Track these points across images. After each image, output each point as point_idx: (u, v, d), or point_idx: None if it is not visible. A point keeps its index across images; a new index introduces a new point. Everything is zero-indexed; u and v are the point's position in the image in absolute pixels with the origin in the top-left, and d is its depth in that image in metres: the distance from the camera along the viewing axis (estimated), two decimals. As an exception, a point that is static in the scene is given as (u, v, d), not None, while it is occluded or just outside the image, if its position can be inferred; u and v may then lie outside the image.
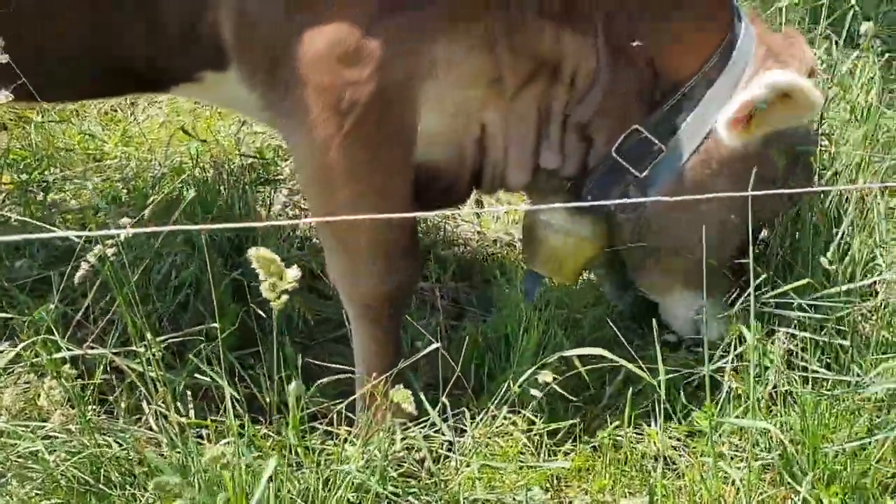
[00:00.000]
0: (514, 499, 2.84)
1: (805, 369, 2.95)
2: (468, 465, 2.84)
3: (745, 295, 2.85)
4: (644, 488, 2.87)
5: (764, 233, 3.23)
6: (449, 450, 2.92)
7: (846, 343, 2.89)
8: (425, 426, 2.88)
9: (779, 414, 2.88)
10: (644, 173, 3.02)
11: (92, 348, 2.77)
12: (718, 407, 2.99)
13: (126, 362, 2.69)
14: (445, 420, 2.89)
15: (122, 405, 2.87)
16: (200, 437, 2.78)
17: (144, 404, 2.83)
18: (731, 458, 2.93)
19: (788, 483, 2.79)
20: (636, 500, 2.82)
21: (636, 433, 3.07)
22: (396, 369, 2.85)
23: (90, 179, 4.17)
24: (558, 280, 3.35)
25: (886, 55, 4.54)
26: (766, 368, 2.93)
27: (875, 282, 3.06)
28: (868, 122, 3.98)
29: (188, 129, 4.36)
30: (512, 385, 2.92)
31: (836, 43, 4.16)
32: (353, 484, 2.63)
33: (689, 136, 3.03)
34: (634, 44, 2.92)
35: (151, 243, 3.54)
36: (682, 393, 3.14)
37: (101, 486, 2.63)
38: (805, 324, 3.03)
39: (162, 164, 4.28)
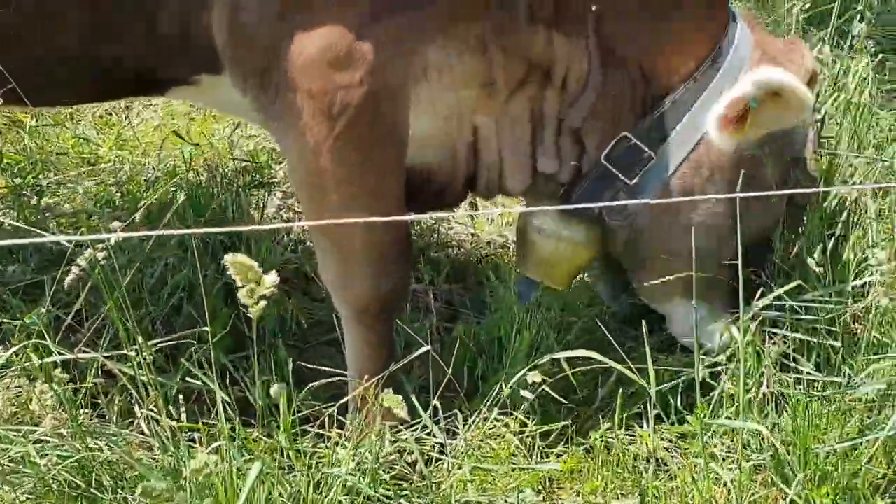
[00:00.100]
0: (505, 501, 2.84)
1: (797, 371, 2.95)
2: (460, 468, 2.85)
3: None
4: (636, 490, 2.88)
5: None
6: (441, 452, 2.93)
7: (837, 344, 2.89)
8: (417, 429, 2.89)
9: (770, 415, 2.88)
10: (634, 180, 3.01)
11: (84, 352, 2.77)
12: (711, 408, 3.01)
13: (118, 366, 2.70)
14: (437, 422, 2.90)
15: (115, 409, 2.86)
16: (193, 440, 2.79)
17: (136, 408, 2.83)
18: (724, 460, 2.94)
19: (779, 484, 2.79)
20: (628, 502, 2.82)
21: (628, 435, 3.07)
22: (388, 372, 2.85)
23: (82, 184, 4.16)
24: (550, 285, 3.36)
25: (880, 56, 4.56)
26: (758, 370, 2.93)
27: (866, 283, 3.06)
28: (861, 122, 4.00)
29: (182, 133, 4.36)
30: (504, 387, 2.92)
31: (835, 42, 4.19)
32: (344, 487, 2.63)
33: (680, 142, 3.00)
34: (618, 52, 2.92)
35: (144, 247, 3.55)
36: (674, 395, 3.15)
37: (92, 490, 2.63)
38: (797, 325, 3.03)
39: (156, 168, 4.28)
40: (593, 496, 2.93)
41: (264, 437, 2.74)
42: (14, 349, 2.76)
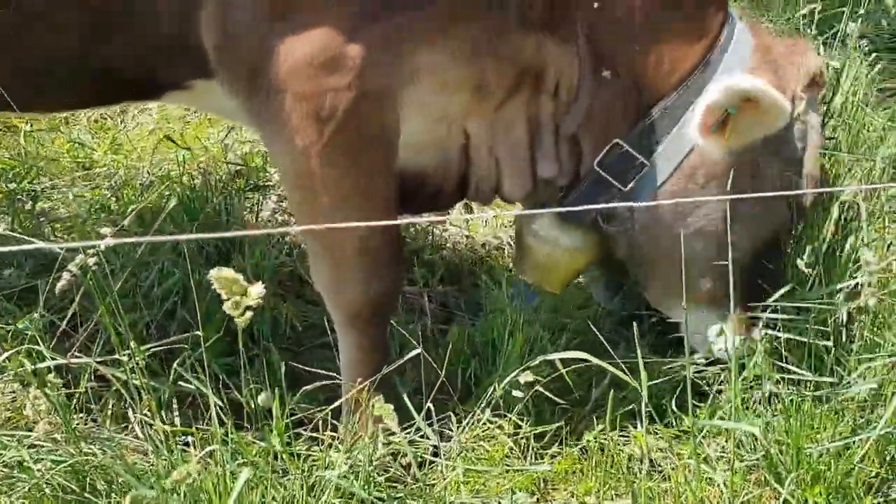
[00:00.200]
0: (499, 502, 2.85)
1: (790, 371, 2.96)
2: (454, 470, 2.85)
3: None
4: (630, 491, 2.88)
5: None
6: (434, 454, 2.93)
7: (829, 344, 2.89)
8: (411, 431, 2.89)
9: (762, 415, 2.88)
10: (628, 187, 3.01)
11: (76, 357, 2.77)
12: (705, 409, 3.02)
13: (110, 371, 2.70)
14: (431, 425, 2.90)
15: (108, 414, 2.87)
16: (187, 444, 2.80)
17: (130, 412, 2.84)
18: (718, 460, 2.94)
19: (772, 483, 2.79)
20: (621, 503, 2.83)
21: (622, 436, 3.08)
22: (380, 375, 2.86)
23: (73, 188, 4.16)
24: (546, 288, 3.38)
25: (873, 55, 4.56)
26: (752, 370, 2.94)
27: (858, 283, 3.05)
28: (854, 122, 4.01)
29: (175, 137, 4.37)
30: (497, 388, 2.93)
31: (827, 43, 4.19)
32: (337, 490, 2.64)
33: (673, 149, 3.00)
34: (605, 73, 2.92)
35: (137, 252, 3.56)
36: (668, 396, 3.16)
37: (86, 494, 2.64)
38: (789, 326, 3.03)
39: (150, 173, 4.29)
40: (587, 497, 2.94)
41: (257, 441, 2.74)
42: (7, 354, 2.77)
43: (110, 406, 2.92)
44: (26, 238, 2.46)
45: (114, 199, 4.18)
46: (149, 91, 3.16)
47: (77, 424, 2.78)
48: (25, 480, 2.62)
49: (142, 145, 4.59)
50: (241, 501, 2.45)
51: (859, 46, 4.29)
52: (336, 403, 2.87)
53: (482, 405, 3.00)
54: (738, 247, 2.99)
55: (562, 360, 2.91)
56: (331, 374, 2.94)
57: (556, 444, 3.09)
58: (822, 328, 2.98)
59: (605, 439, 3.02)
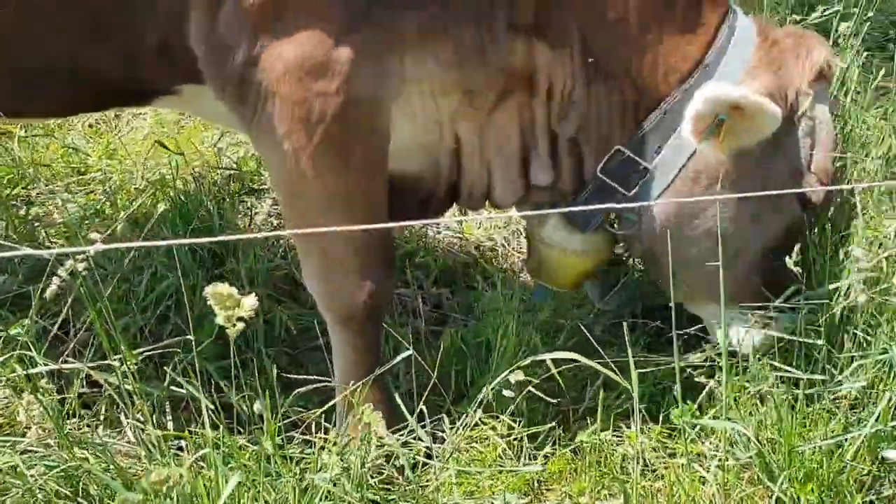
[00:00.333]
0: (492, 503, 2.85)
1: (782, 369, 2.96)
2: (446, 471, 2.86)
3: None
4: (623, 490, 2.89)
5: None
6: (427, 456, 2.94)
7: (820, 342, 2.89)
8: (404, 433, 2.90)
9: (753, 413, 2.89)
10: (633, 192, 3.01)
11: (68, 362, 2.78)
12: (698, 407, 3.02)
13: (103, 376, 2.71)
14: (424, 426, 2.91)
15: (101, 418, 2.87)
16: (181, 448, 2.80)
17: (122, 417, 2.84)
18: (712, 458, 2.94)
19: (765, 482, 2.80)
20: (612, 503, 2.83)
21: (616, 436, 3.08)
22: (372, 376, 2.87)
23: (66, 194, 4.17)
24: (557, 288, 3.41)
25: (865, 54, 4.56)
26: (744, 369, 2.95)
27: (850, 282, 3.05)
28: (847, 121, 4.00)
29: (167, 142, 4.36)
30: (488, 389, 2.93)
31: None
32: (330, 492, 2.64)
33: (675, 153, 2.99)
34: (591, 60, 2.91)
35: (132, 256, 3.57)
36: (662, 395, 3.16)
37: (79, 499, 2.64)
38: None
39: (143, 177, 4.29)
40: (581, 497, 2.94)
41: (250, 445, 2.75)
42: None
43: (103, 411, 2.92)
44: (10, 245, 2.46)
45: (108, 203, 4.19)
46: (140, 96, 3.17)
47: (70, 429, 2.78)
48: (18, 486, 2.62)
49: (136, 150, 4.59)
50: (233, 505, 2.46)
51: (851, 46, 4.28)
52: (328, 405, 2.87)
53: (475, 406, 2.99)
54: (747, 245, 3.00)
55: (555, 360, 2.91)
56: (324, 377, 2.95)
57: (550, 444, 3.10)
58: (815, 327, 2.99)
59: (599, 439, 3.02)
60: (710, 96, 2.82)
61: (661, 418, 3.11)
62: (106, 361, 2.66)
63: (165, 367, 3.01)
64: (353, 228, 2.62)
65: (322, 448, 2.76)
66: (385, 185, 2.92)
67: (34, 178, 4.30)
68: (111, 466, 2.65)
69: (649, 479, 2.97)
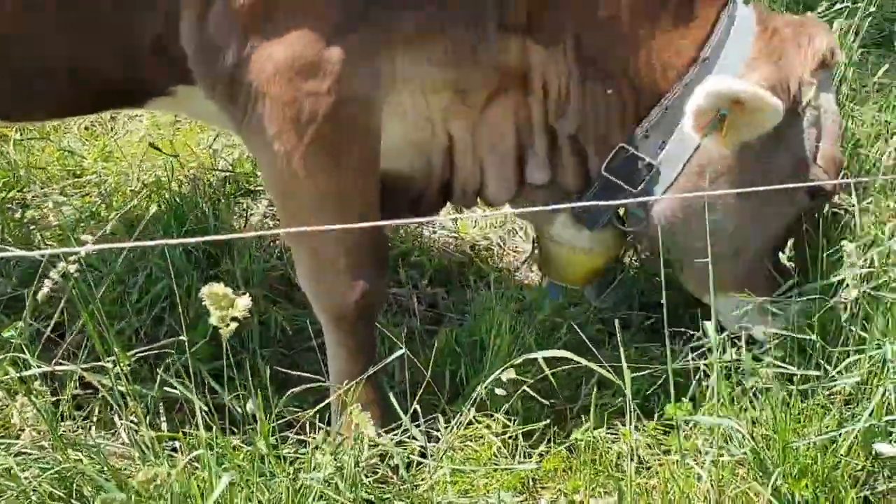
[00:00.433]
0: (486, 502, 2.85)
1: (775, 365, 2.96)
2: (440, 470, 2.86)
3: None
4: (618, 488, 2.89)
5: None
6: (422, 455, 2.94)
7: (812, 338, 2.89)
8: (398, 432, 2.90)
9: (748, 409, 2.89)
10: (638, 189, 3.01)
11: (60, 364, 2.78)
12: (693, 404, 3.02)
13: (96, 377, 2.71)
14: (418, 426, 2.91)
15: (95, 420, 2.87)
16: (175, 450, 2.80)
17: (116, 418, 2.84)
18: (706, 455, 2.94)
19: (759, 478, 2.80)
20: (606, 500, 2.83)
21: (611, 433, 3.08)
22: (365, 376, 2.87)
23: (61, 196, 4.17)
24: (568, 286, 3.43)
25: (860, 51, 4.55)
26: (737, 366, 2.94)
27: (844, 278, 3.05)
28: (844, 118, 4.00)
29: (165, 144, 4.38)
30: (482, 388, 2.93)
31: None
32: (323, 492, 2.64)
33: (679, 148, 2.99)
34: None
35: (127, 258, 3.57)
36: (657, 393, 3.16)
37: (73, 501, 2.64)
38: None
39: (139, 180, 4.29)
40: (575, 495, 2.94)
41: (244, 445, 2.75)
42: (-7, 362, 2.78)
43: (97, 413, 2.92)
44: (2, 247, 2.46)
45: (104, 206, 4.19)
46: (134, 98, 3.17)
47: (64, 431, 2.78)
48: (13, 488, 2.62)
49: (132, 152, 4.59)
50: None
51: (847, 42, 4.28)
52: (321, 405, 2.87)
53: (469, 405, 2.99)
54: (755, 237, 3.00)
55: (549, 359, 2.91)
56: (317, 377, 2.95)
57: (545, 442, 3.10)
58: (809, 322, 2.99)
59: (593, 437, 3.02)
60: (710, 90, 2.81)
61: (655, 415, 3.11)
62: (99, 363, 2.65)
63: (160, 369, 3.02)
64: (344, 227, 2.62)
65: (316, 448, 2.76)
66: (377, 185, 2.93)
67: (29, 181, 4.31)
68: (105, 468, 2.64)
69: (644, 477, 2.97)
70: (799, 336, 2.91)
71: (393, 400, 2.90)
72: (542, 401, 3.07)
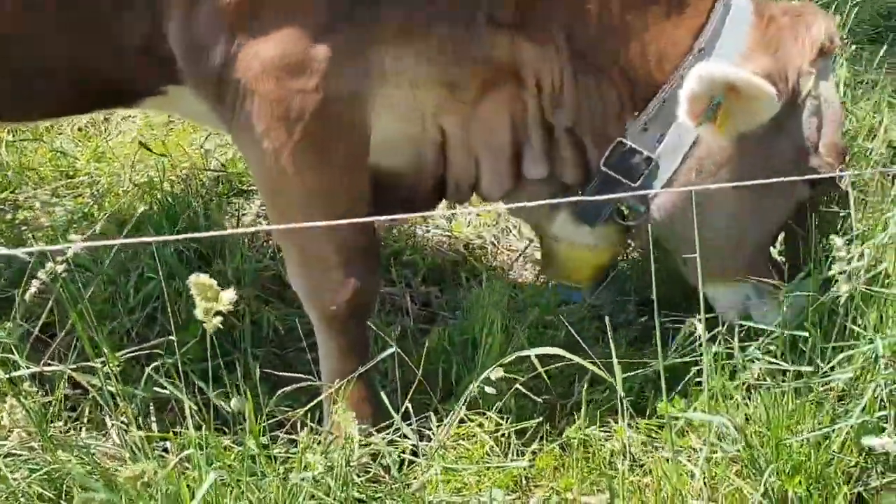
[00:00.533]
0: (479, 500, 2.84)
1: (769, 361, 2.95)
2: (431, 468, 2.85)
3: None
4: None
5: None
6: (414, 454, 2.93)
7: (805, 334, 2.88)
8: (390, 431, 2.89)
9: (741, 406, 2.88)
10: (638, 183, 2.99)
11: (49, 364, 2.77)
12: (687, 401, 3.01)
13: (85, 377, 2.69)
14: (410, 424, 2.90)
15: (86, 421, 2.86)
16: (166, 450, 2.79)
17: (107, 419, 2.83)
18: (699, 452, 2.93)
19: (753, 475, 2.79)
20: (598, 498, 2.82)
21: (604, 431, 3.07)
22: (356, 374, 2.86)
23: (43, 196, 4.16)
24: (574, 284, 3.41)
25: (854, 47, 4.55)
26: (730, 361, 2.93)
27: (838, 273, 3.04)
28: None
29: (158, 145, 4.37)
30: (473, 386, 2.92)
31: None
32: (314, 493, 2.63)
33: (677, 140, 2.97)
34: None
35: (120, 258, 3.56)
36: (650, 390, 3.15)
37: (62, 502, 2.63)
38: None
39: (130, 180, 4.28)
40: (568, 493, 2.93)
41: (235, 445, 2.74)
42: (-19, 364, 2.77)
43: (87, 413, 2.91)
44: (-7, 248, 2.45)
45: (96, 207, 4.18)
46: (126, 97, 3.16)
47: (54, 432, 2.77)
48: (1, 490, 2.61)
49: (125, 153, 4.58)
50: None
51: (841, 38, 4.27)
52: (311, 403, 2.86)
53: (461, 404, 2.98)
54: (755, 228, 3.00)
55: (542, 357, 2.90)
56: (309, 377, 2.94)
57: (537, 440, 3.09)
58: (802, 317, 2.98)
59: (586, 435, 3.01)
60: (704, 74, 2.77)
61: (648, 413, 3.10)
62: (88, 363, 2.64)
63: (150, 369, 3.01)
64: (333, 223, 2.61)
65: (307, 448, 2.75)
66: (367, 181, 2.92)
67: (21, 182, 4.30)
68: (95, 469, 2.63)
69: (637, 475, 2.96)
70: (793, 333, 2.90)
71: (385, 399, 2.89)
72: (535, 398, 3.06)
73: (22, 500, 2.60)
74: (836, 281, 2.80)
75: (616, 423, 3.06)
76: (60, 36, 2.88)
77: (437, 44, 2.82)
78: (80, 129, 4.87)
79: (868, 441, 2.58)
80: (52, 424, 2.81)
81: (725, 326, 3.00)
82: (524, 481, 3.01)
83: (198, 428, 2.60)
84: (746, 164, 2.93)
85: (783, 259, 3.14)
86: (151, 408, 2.87)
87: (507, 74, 2.96)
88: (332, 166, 2.83)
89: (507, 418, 3.06)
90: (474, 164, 3.11)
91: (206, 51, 2.77)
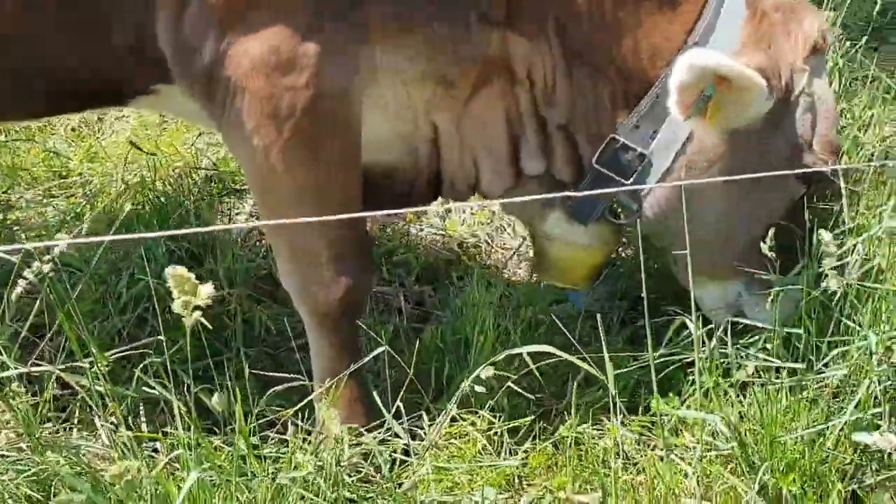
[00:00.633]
0: (471, 499, 2.82)
1: (763, 358, 2.93)
2: (423, 467, 2.83)
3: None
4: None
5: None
6: (405, 453, 2.91)
7: (799, 331, 2.87)
8: (381, 431, 2.87)
9: (735, 404, 2.86)
10: (630, 180, 2.97)
11: (40, 365, 2.75)
12: (681, 399, 3.00)
13: (74, 378, 2.68)
14: (402, 423, 2.88)
15: (76, 422, 2.85)
16: (156, 450, 2.78)
17: (96, 419, 2.82)
18: (693, 449, 2.92)
19: (747, 473, 2.77)
20: (591, 496, 2.81)
21: (597, 429, 3.06)
22: (346, 373, 2.85)
23: (46, 197, 4.15)
24: (570, 287, 3.38)
25: (849, 43, 4.54)
26: (723, 359, 2.92)
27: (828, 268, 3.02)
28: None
29: (150, 144, 4.36)
30: (465, 385, 2.91)
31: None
32: (305, 490, 2.61)
33: (671, 137, 2.95)
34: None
35: (110, 258, 3.55)
36: (643, 388, 3.14)
37: (50, 502, 2.61)
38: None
39: (123, 180, 4.27)
40: (561, 492, 2.91)
41: (225, 446, 2.73)
42: (-32, 365, 2.75)
43: (76, 414, 2.89)
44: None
45: (89, 207, 4.16)
46: (120, 96, 3.15)
47: (43, 433, 2.75)
48: (-10, 491, 2.60)
49: (118, 153, 4.57)
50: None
51: (836, 34, 4.26)
52: (302, 403, 2.85)
53: (452, 402, 2.97)
54: (749, 225, 2.98)
55: (534, 355, 2.89)
56: (300, 376, 2.92)
57: (530, 439, 3.07)
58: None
59: (579, 433, 2.99)
60: (694, 63, 2.74)
61: (641, 411, 3.09)
62: (77, 363, 2.63)
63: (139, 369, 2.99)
64: (325, 219, 2.59)
65: (297, 447, 2.73)
66: (358, 178, 2.90)
67: (14, 182, 4.29)
68: (84, 470, 2.62)
69: (630, 473, 2.94)
70: (787, 330, 2.89)
71: (377, 398, 2.87)
72: (528, 396, 3.04)
73: (10, 501, 2.58)
74: (827, 276, 2.77)
75: (609, 421, 3.05)
76: (60, 36, 2.87)
77: (428, 39, 2.81)
78: (73, 129, 4.86)
79: (857, 436, 2.56)
80: (41, 425, 2.79)
81: (719, 324, 2.99)
82: (517, 480, 3.00)
83: (188, 428, 2.59)
84: (740, 161, 2.92)
85: (781, 258, 3.12)
86: (141, 408, 2.85)
87: (499, 69, 2.95)
88: (322, 163, 2.81)
89: (500, 417, 3.05)
90: (471, 162, 3.09)
91: (195, 49, 2.75)
